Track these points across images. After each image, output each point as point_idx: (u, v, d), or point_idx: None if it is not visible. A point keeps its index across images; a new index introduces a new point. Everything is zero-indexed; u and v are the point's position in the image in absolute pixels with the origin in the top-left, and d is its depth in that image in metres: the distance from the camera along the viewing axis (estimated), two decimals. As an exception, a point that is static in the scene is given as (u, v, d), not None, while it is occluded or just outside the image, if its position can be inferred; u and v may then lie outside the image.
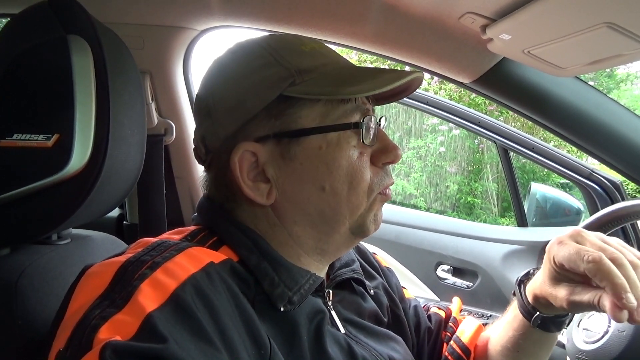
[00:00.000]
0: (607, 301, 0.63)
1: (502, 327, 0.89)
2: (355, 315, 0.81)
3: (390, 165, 0.78)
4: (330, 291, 0.79)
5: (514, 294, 0.86)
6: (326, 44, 0.79)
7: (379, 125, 0.76)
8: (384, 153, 0.75)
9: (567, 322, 0.81)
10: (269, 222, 0.74)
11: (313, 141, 0.70)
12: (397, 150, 0.75)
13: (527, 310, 0.81)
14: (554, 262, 0.71)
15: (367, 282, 0.88)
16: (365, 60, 6.29)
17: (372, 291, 0.88)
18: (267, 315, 0.65)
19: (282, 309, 0.67)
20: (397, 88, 0.77)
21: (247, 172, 0.71)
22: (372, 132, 0.74)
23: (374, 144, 0.74)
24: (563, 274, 0.72)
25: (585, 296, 0.68)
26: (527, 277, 0.84)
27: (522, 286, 0.84)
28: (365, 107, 0.74)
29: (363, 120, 0.72)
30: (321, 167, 0.70)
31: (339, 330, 0.75)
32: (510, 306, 0.89)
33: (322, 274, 0.78)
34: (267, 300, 0.67)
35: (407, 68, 1.54)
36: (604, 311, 0.65)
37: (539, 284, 0.78)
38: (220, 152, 0.73)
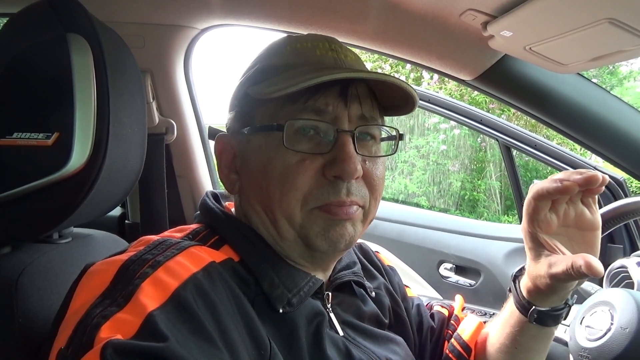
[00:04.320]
0: (581, 261, 0.65)
1: (499, 324, 0.89)
2: (354, 318, 0.80)
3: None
4: (330, 293, 0.78)
5: (510, 290, 0.86)
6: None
7: (342, 133, 0.68)
8: (332, 164, 0.67)
9: (563, 315, 0.81)
10: (244, 212, 0.76)
11: (258, 140, 0.71)
12: (344, 163, 0.66)
13: (523, 305, 0.81)
14: (531, 197, 0.74)
15: (367, 284, 0.88)
16: (365, 61, 6.28)
17: (373, 293, 0.88)
18: (266, 316, 0.65)
19: (281, 311, 0.67)
20: (399, 100, 0.75)
21: (226, 161, 0.76)
22: (319, 138, 0.69)
23: (327, 152, 0.68)
24: (539, 242, 0.74)
25: (560, 267, 0.69)
26: (521, 272, 0.84)
27: (516, 281, 0.84)
28: (325, 108, 0.68)
29: (285, 123, 0.67)
30: (260, 167, 0.70)
31: (337, 333, 0.75)
32: (506, 303, 0.89)
33: (322, 277, 0.78)
34: (266, 301, 0.67)
35: (407, 66, 1.54)
36: (579, 274, 0.66)
37: (527, 272, 0.79)
38: None
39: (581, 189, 0.69)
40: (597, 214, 0.76)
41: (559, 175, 0.71)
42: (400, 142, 0.79)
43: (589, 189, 0.70)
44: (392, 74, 0.73)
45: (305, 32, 1.29)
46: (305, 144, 0.68)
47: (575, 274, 0.67)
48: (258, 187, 0.70)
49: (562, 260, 0.70)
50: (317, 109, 0.68)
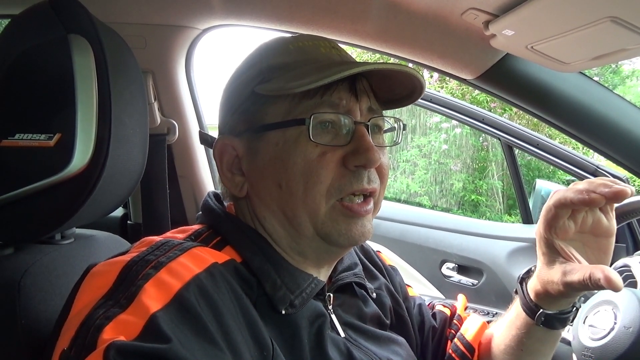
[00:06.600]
0: (600, 274, 0.64)
1: (505, 326, 0.89)
2: (355, 319, 0.80)
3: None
4: (331, 295, 0.78)
5: (516, 292, 0.85)
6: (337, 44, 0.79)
7: (359, 125, 0.70)
8: (354, 155, 0.69)
9: (570, 318, 0.81)
10: (250, 215, 0.75)
11: (272, 137, 0.70)
12: (368, 152, 0.68)
13: (530, 308, 0.80)
14: (552, 204, 0.72)
15: (368, 285, 0.88)
16: (367, 60, 6.25)
17: (374, 294, 0.88)
18: (268, 317, 0.65)
19: (283, 312, 0.67)
20: (402, 91, 0.77)
21: (227, 164, 0.75)
22: (336, 131, 0.69)
23: (346, 144, 0.69)
24: (553, 248, 0.73)
25: (576, 275, 0.69)
26: (528, 274, 0.84)
27: (523, 284, 0.84)
28: (339, 102, 0.70)
29: (311, 117, 0.67)
30: (277, 164, 0.69)
31: (338, 334, 0.75)
32: (512, 304, 0.88)
33: (324, 277, 0.78)
34: (268, 302, 0.67)
35: (409, 65, 1.54)
36: (597, 287, 0.65)
37: (537, 275, 0.79)
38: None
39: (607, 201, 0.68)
40: (613, 220, 0.75)
41: (582, 184, 0.70)
42: (401, 140, 0.82)
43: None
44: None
45: (306, 32, 1.29)
46: (325, 137, 0.69)
47: (592, 286, 0.66)
48: (275, 185, 0.70)
49: (578, 269, 0.69)
50: (333, 103, 0.69)
